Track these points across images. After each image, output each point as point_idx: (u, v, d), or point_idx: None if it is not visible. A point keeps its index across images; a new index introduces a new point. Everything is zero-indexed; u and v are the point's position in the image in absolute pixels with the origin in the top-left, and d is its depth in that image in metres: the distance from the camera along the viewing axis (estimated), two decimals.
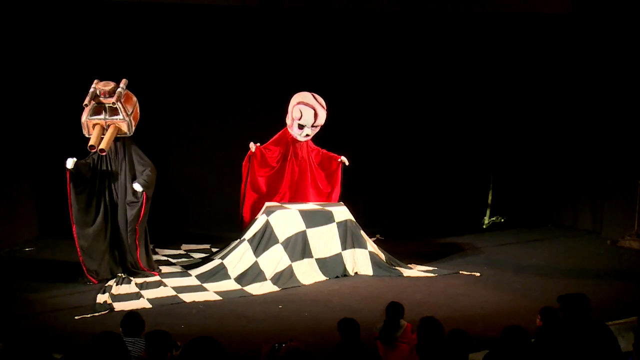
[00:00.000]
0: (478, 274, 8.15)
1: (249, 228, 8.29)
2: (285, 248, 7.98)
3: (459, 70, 11.19)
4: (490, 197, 10.93)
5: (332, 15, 10.45)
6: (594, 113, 10.42)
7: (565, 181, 11.10)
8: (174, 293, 7.33)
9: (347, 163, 9.06)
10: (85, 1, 9.60)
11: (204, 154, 10.71)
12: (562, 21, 10.67)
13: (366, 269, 8.23)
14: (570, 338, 4.48)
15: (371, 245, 8.44)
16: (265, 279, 7.78)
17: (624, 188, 9.83)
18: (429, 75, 11.12)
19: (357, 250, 8.28)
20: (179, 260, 8.73)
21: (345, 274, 8.18)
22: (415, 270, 8.32)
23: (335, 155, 9.12)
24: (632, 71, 9.75)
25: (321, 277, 8.05)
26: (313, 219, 8.19)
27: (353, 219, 8.41)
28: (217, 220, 10.43)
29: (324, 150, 9.14)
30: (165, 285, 7.55)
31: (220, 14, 10.14)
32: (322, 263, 8.13)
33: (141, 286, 7.47)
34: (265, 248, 7.97)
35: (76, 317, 6.45)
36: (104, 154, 7.60)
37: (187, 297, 7.20)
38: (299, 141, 8.90)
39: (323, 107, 8.77)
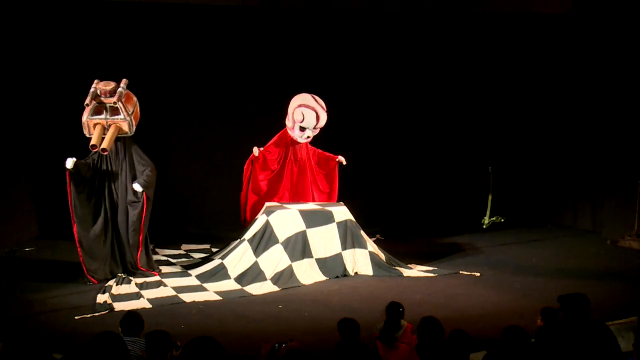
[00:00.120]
0: (478, 274, 8.15)
1: (249, 228, 8.29)
2: (285, 248, 7.98)
3: (459, 70, 11.20)
4: (490, 197, 10.92)
5: (332, 15, 10.46)
6: (593, 113, 10.42)
7: (565, 181, 11.10)
8: (174, 293, 7.33)
9: (344, 162, 9.06)
10: (85, 1, 9.60)
11: (204, 154, 10.72)
12: (562, 21, 10.68)
13: (366, 269, 8.23)
14: (570, 338, 4.48)
15: (371, 245, 8.44)
16: (265, 279, 7.78)
17: (624, 188, 9.83)
18: (429, 75, 11.13)
19: (357, 250, 8.28)
20: (179, 260, 8.73)
21: (345, 274, 8.17)
22: (415, 270, 8.32)
23: (332, 155, 9.13)
24: (632, 71, 9.75)
25: (321, 277, 8.05)
26: (313, 219, 8.19)
27: (353, 219, 8.41)
28: (217, 220, 10.44)
29: (320, 151, 9.15)
30: (165, 285, 7.55)
31: (220, 14, 10.15)
32: (322, 263, 8.13)
33: (141, 286, 7.47)
34: (265, 248, 7.97)
35: (76, 317, 6.45)
36: (105, 153, 7.60)
37: (187, 297, 7.20)
38: (298, 142, 8.90)
39: (324, 108, 8.77)
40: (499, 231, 10.64)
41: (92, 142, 7.45)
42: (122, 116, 7.58)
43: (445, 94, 11.27)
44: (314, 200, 8.91)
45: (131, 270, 7.81)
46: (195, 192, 10.76)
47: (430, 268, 8.43)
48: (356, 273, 8.23)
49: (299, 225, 8.10)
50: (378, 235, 10.00)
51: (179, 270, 8.18)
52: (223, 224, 10.10)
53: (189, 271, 8.07)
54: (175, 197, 10.47)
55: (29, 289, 7.33)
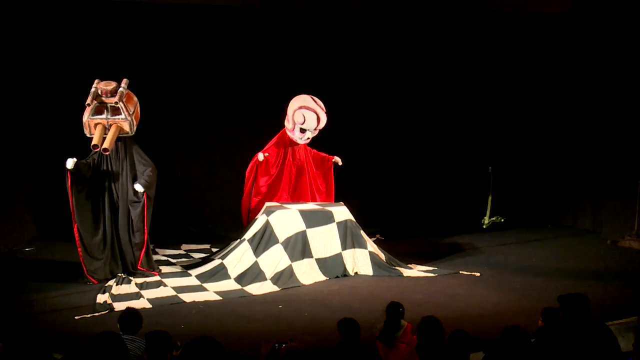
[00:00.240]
0: (478, 274, 8.15)
1: (249, 228, 8.29)
2: (285, 248, 7.98)
3: (458, 70, 11.20)
4: (490, 197, 10.92)
5: (332, 15, 10.46)
6: (593, 113, 10.42)
7: (565, 181, 11.10)
8: (174, 293, 7.33)
9: (340, 163, 9.06)
10: (85, 1, 9.60)
11: (204, 154, 10.72)
12: (562, 21, 10.67)
13: (366, 269, 8.23)
14: (570, 338, 4.48)
15: (371, 245, 8.44)
16: (265, 279, 7.78)
17: (624, 188, 9.83)
18: (429, 75, 11.14)
19: (357, 250, 8.28)
20: (179, 260, 8.73)
21: (345, 274, 8.17)
22: (415, 270, 8.32)
23: (328, 155, 9.12)
24: (632, 71, 9.74)
25: (321, 277, 8.05)
26: (313, 219, 8.19)
27: (353, 219, 8.41)
28: (217, 220, 10.44)
29: (315, 151, 9.15)
30: (165, 285, 7.55)
31: (220, 14, 10.14)
32: (322, 263, 8.13)
33: (141, 286, 7.46)
34: (265, 248, 7.97)
35: (76, 317, 6.46)
36: (107, 153, 7.60)
37: (187, 297, 7.20)
38: (296, 144, 8.89)
39: (323, 110, 8.78)
40: (499, 231, 10.64)
41: (94, 142, 7.45)
42: (123, 116, 7.57)
43: (445, 94, 11.27)
44: (312, 201, 8.91)
45: (131, 270, 7.81)
46: (195, 192, 10.76)
47: (430, 268, 8.43)
48: (356, 273, 8.23)
49: (299, 225, 8.10)
50: (378, 235, 10.00)
51: (179, 270, 8.18)
52: (223, 224, 10.10)
53: (189, 271, 8.07)
54: (176, 197, 10.47)
55: (29, 289, 7.33)
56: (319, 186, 9.10)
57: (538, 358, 4.35)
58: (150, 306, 6.89)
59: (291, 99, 8.85)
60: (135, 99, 7.82)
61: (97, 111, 7.55)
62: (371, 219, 10.15)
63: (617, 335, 4.75)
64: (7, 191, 9.22)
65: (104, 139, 7.50)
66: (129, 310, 5.01)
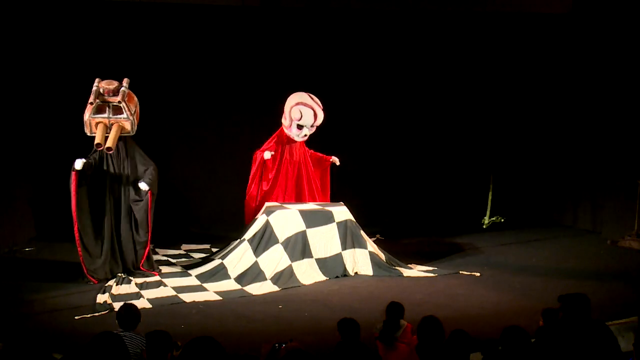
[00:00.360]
0: (478, 274, 8.15)
1: (249, 228, 8.29)
2: (285, 248, 7.98)
3: (458, 70, 11.20)
4: (490, 197, 10.92)
5: (332, 15, 10.46)
6: (593, 113, 10.42)
7: (565, 181, 11.10)
8: (174, 293, 7.32)
9: (337, 163, 9.06)
10: (85, 1, 9.60)
11: (204, 154, 10.72)
12: (562, 21, 10.67)
13: (366, 269, 8.23)
14: (570, 338, 4.48)
15: (371, 245, 8.44)
16: (265, 279, 7.78)
17: (624, 188, 9.83)
18: (429, 75, 11.14)
19: (357, 250, 8.28)
20: (179, 260, 8.73)
21: (345, 274, 8.17)
22: (415, 270, 8.32)
23: (325, 156, 9.12)
24: (632, 71, 9.75)
25: (321, 277, 8.05)
26: (313, 219, 8.19)
27: (353, 219, 8.41)
28: (217, 220, 10.44)
29: (312, 151, 9.14)
30: (165, 285, 7.55)
31: (220, 14, 10.14)
32: (322, 263, 8.13)
33: (141, 286, 7.46)
34: (265, 248, 7.97)
35: (76, 317, 6.45)
36: (110, 152, 7.59)
37: (187, 297, 7.20)
38: (294, 141, 8.89)
39: (320, 106, 8.79)
40: (499, 231, 10.63)
41: (97, 140, 7.44)
42: (125, 115, 7.59)
43: (445, 94, 11.27)
44: (308, 200, 8.90)
45: (131, 270, 7.81)
46: (195, 192, 10.76)
47: (430, 268, 8.43)
48: (356, 273, 8.23)
49: (299, 225, 8.10)
50: (378, 235, 10.00)
51: (179, 270, 8.18)
52: (223, 224, 10.10)
53: (189, 271, 8.07)
54: (176, 197, 10.46)
55: (29, 289, 7.32)
56: (315, 186, 9.09)
57: (538, 358, 4.35)
58: (150, 306, 6.89)
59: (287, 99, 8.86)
60: (136, 98, 7.82)
61: (99, 110, 7.54)
62: (371, 219, 10.15)
63: (617, 335, 4.76)
64: (7, 191, 9.22)
65: (106, 138, 7.49)
66: (127, 305, 5.02)
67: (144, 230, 7.78)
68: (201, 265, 8.21)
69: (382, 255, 8.40)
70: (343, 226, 8.28)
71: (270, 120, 9.48)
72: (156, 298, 7.14)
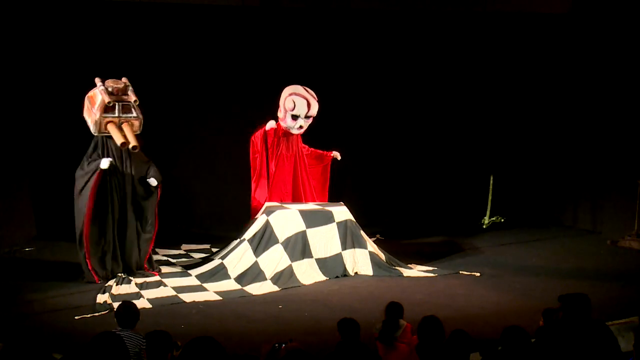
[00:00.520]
0: (478, 274, 8.15)
1: (248, 228, 8.29)
2: (285, 248, 7.98)
3: (458, 70, 11.19)
4: (490, 197, 10.92)
5: (332, 15, 10.46)
6: (593, 113, 10.42)
7: (565, 181, 11.10)
8: (174, 293, 7.32)
9: (339, 157, 9.05)
10: (85, 1, 9.59)
11: (204, 153, 10.70)
12: (561, 21, 10.68)
13: (366, 269, 8.22)
14: (571, 338, 4.48)
15: (371, 245, 8.44)
16: (265, 279, 7.78)
17: (624, 188, 9.83)
18: (429, 75, 11.13)
19: (357, 250, 8.28)
20: (179, 260, 8.72)
21: (345, 274, 8.17)
22: (415, 270, 8.32)
23: (326, 152, 9.11)
24: (632, 71, 9.75)
25: (321, 277, 8.04)
26: (313, 219, 8.19)
27: (353, 219, 8.41)
28: (217, 220, 10.43)
29: (312, 149, 9.14)
30: (165, 285, 7.55)
31: (220, 14, 10.14)
32: (322, 263, 8.13)
33: (141, 286, 7.46)
34: (265, 248, 7.97)
35: (76, 317, 6.45)
36: (137, 150, 7.60)
37: (187, 297, 7.20)
38: (290, 135, 8.87)
39: (314, 97, 8.79)
40: (499, 231, 10.63)
41: (121, 140, 7.44)
42: (135, 114, 7.64)
43: (445, 94, 11.26)
44: (306, 195, 8.89)
45: (132, 270, 7.80)
46: (195, 192, 10.75)
47: (430, 268, 8.43)
48: (356, 273, 8.23)
49: (299, 225, 8.10)
50: (378, 235, 9.99)
51: (179, 270, 8.18)
52: (223, 224, 10.09)
53: (189, 271, 8.07)
54: (175, 197, 10.45)
55: (29, 289, 7.32)
56: (312, 183, 9.08)
57: (538, 358, 4.35)
58: (150, 306, 6.89)
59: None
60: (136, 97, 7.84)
61: (108, 109, 7.55)
62: (371, 219, 10.15)
63: (617, 335, 4.76)
64: (7, 191, 9.21)
65: (125, 136, 7.52)
66: (126, 303, 5.01)
67: (152, 225, 7.83)
68: (201, 265, 8.21)
69: (382, 255, 8.40)
70: (343, 226, 8.28)
71: (270, 120, 9.47)
72: (156, 298, 7.14)
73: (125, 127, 7.58)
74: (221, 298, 7.28)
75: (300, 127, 8.82)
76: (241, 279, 7.77)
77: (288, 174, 8.92)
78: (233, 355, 4.04)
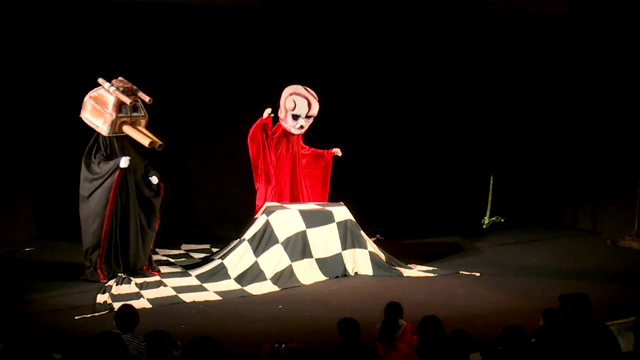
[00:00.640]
0: (478, 274, 8.15)
1: (248, 228, 8.29)
2: (285, 248, 7.97)
3: (458, 70, 11.20)
4: (490, 197, 10.92)
5: (332, 15, 10.46)
6: (593, 113, 10.43)
7: (565, 181, 11.10)
8: (174, 293, 7.32)
9: (340, 154, 9.04)
10: (85, 1, 9.60)
11: (204, 153, 10.71)
12: (561, 21, 10.68)
13: (366, 269, 8.22)
14: (571, 338, 4.48)
15: (371, 245, 8.44)
16: (265, 279, 7.78)
17: (624, 188, 9.84)
18: (429, 75, 11.13)
19: (357, 250, 8.28)
20: (179, 260, 8.72)
21: (345, 274, 8.17)
22: (415, 270, 8.32)
23: (326, 151, 9.10)
24: (632, 71, 9.75)
25: (321, 277, 8.04)
26: (313, 219, 8.19)
27: (353, 219, 8.41)
28: (217, 220, 10.43)
29: (313, 149, 9.13)
30: (165, 285, 7.55)
31: (220, 14, 10.14)
32: (322, 263, 8.13)
33: (141, 286, 7.46)
34: (265, 248, 7.96)
35: (76, 317, 6.45)
36: (162, 149, 7.63)
37: (187, 297, 7.20)
38: (291, 135, 8.87)
39: (315, 97, 8.79)
40: (499, 231, 10.64)
41: (148, 140, 7.48)
42: (142, 113, 7.68)
43: (446, 94, 11.27)
44: (304, 195, 8.89)
45: (132, 270, 7.79)
46: (195, 192, 10.75)
47: (430, 268, 8.43)
48: (356, 273, 8.23)
49: (299, 225, 8.10)
50: (378, 235, 9.99)
51: (179, 270, 8.18)
52: (223, 224, 10.09)
53: (189, 271, 8.07)
54: (175, 197, 10.45)
55: (29, 289, 7.32)
56: (312, 182, 9.07)
57: (538, 358, 4.35)
58: (150, 306, 6.89)
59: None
60: None
61: (121, 109, 7.55)
62: (371, 219, 10.15)
63: (617, 335, 4.76)
64: (7, 191, 9.22)
65: (145, 135, 7.56)
66: (125, 307, 5.00)
67: (156, 222, 7.85)
68: (201, 265, 8.21)
69: (382, 255, 8.40)
70: (343, 226, 8.28)
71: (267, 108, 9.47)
72: (156, 298, 7.14)
73: (139, 127, 7.61)
74: (221, 298, 7.28)
75: (301, 127, 8.82)
76: (241, 279, 7.77)
77: (286, 175, 8.92)
78: (233, 355, 4.05)
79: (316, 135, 9.06)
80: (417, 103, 11.18)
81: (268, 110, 8.67)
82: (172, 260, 8.70)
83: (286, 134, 8.87)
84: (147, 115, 7.73)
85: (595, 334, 4.51)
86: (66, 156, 9.54)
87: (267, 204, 8.52)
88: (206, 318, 6.62)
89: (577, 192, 10.95)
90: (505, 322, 4.65)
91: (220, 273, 7.87)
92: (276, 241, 7.98)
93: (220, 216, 10.52)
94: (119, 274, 7.70)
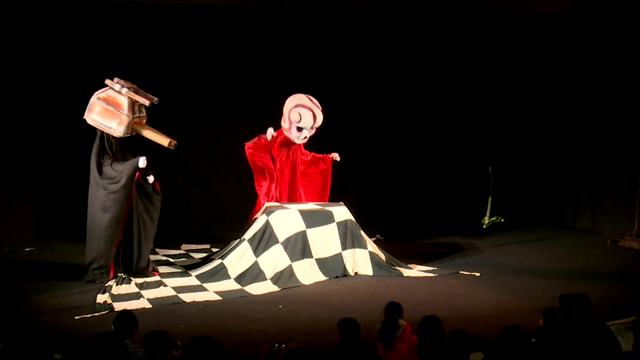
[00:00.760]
0: (478, 274, 8.15)
1: (248, 228, 8.29)
2: (285, 248, 7.98)
3: (458, 70, 11.20)
4: (490, 197, 10.92)
5: (332, 16, 10.46)
6: (593, 113, 10.43)
7: (565, 181, 11.10)
8: (174, 293, 7.32)
9: (338, 159, 9.04)
10: (85, 1, 9.60)
11: (204, 153, 10.71)
12: (561, 21, 10.68)
13: (366, 269, 8.23)
14: (571, 338, 4.48)
15: (371, 245, 8.44)
16: (265, 279, 7.78)
17: (624, 188, 9.84)
18: (429, 75, 11.13)
19: (357, 250, 8.28)
20: (179, 260, 8.72)
21: (345, 274, 8.17)
22: (415, 270, 8.32)
23: (325, 155, 9.09)
24: (632, 71, 9.75)
25: (321, 277, 8.05)
26: (313, 219, 8.19)
27: (353, 219, 8.41)
28: (217, 220, 10.43)
29: (313, 154, 9.13)
30: (165, 285, 7.55)
31: (220, 14, 10.14)
32: (322, 263, 8.13)
33: (141, 286, 7.46)
34: (265, 248, 7.96)
35: (76, 317, 6.45)
36: (176, 147, 7.70)
37: (187, 297, 7.20)
38: (293, 144, 8.88)
39: (319, 108, 8.78)
40: (499, 231, 10.63)
41: (167, 139, 7.56)
42: (144, 113, 7.74)
43: (445, 94, 11.27)
44: (302, 201, 8.89)
45: (132, 270, 7.78)
46: (195, 192, 10.76)
47: (430, 268, 8.43)
48: (356, 273, 8.23)
49: (299, 225, 8.10)
50: (378, 235, 9.99)
51: (179, 270, 8.18)
52: (223, 224, 10.09)
53: (189, 271, 8.07)
54: (175, 197, 10.45)
55: (29, 289, 7.32)
56: (312, 188, 9.06)
57: (538, 358, 4.35)
58: (150, 306, 6.89)
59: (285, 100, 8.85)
60: None
61: (134, 110, 7.56)
62: (371, 219, 10.15)
63: (617, 335, 4.76)
64: (7, 191, 9.21)
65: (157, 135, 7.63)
66: (125, 312, 4.97)
67: (156, 222, 7.85)
68: (201, 265, 8.20)
69: (382, 255, 8.40)
70: (343, 226, 8.28)
71: (270, 119, 9.45)
72: (156, 298, 7.14)
73: (149, 127, 7.62)
74: (221, 298, 7.28)
75: (305, 137, 8.83)
76: (241, 279, 7.77)
77: (286, 182, 8.92)
78: (233, 355, 4.05)
79: (316, 135, 9.05)
80: (417, 103, 11.18)
81: (271, 131, 8.63)
82: (172, 260, 8.70)
83: (288, 142, 8.86)
84: (146, 115, 7.72)
85: (595, 334, 4.51)
86: (66, 156, 9.57)
87: (267, 204, 8.52)
88: (206, 318, 6.63)
89: (577, 192, 10.95)
90: (505, 322, 4.65)
91: (220, 273, 7.88)
92: (276, 241, 7.98)
93: (220, 216, 10.52)
94: (119, 274, 7.70)
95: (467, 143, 11.47)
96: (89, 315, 6.51)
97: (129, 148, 7.83)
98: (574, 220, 10.99)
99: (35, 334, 5.73)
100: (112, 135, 7.57)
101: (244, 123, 10.63)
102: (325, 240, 8.18)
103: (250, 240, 8.05)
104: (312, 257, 8.10)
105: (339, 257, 8.20)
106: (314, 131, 8.85)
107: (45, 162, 9.74)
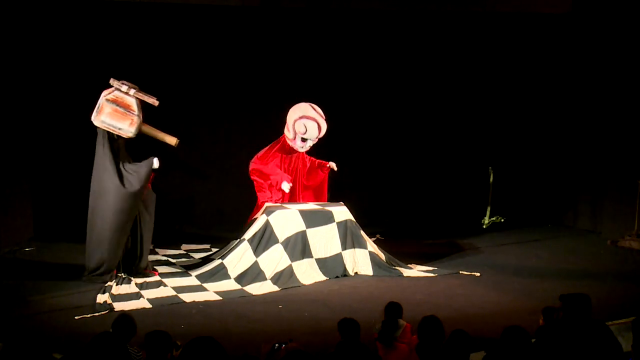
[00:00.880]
0: (478, 274, 8.15)
1: (248, 228, 8.29)
2: (285, 248, 7.98)
3: (458, 70, 11.21)
4: (490, 197, 10.93)
5: (332, 16, 10.46)
6: (594, 113, 10.43)
7: (565, 181, 11.11)
8: (174, 293, 7.32)
9: (335, 168, 9.04)
10: (85, 1, 9.60)
11: (204, 153, 10.71)
12: (562, 21, 10.68)
13: (366, 269, 8.23)
14: (571, 338, 4.48)
15: (371, 245, 8.44)
16: (265, 279, 7.78)
17: (624, 188, 9.84)
18: (429, 75, 11.14)
19: (357, 250, 8.28)
20: (179, 260, 8.72)
21: (345, 274, 8.17)
22: (415, 270, 8.32)
23: (324, 162, 9.09)
24: (632, 71, 9.75)
25: (321, 277, 8.04)
26: (313, 219, 8.19)
27: (353, 219, 8.41)
28: (217, 220, 10.43)
29: (313, 158, 9.12)
30: (165, 285, 7.55)
31: (220, 14, 10.15)
32: (322, 263, 8.13)
33: (141, 286, 7.46)
34: (265, 248, 7.96)
35: (76, 317, 6.45)
36: (177, 145, 7.76)
37: (187, 297, 7.20)
38: (295, 151, 8.87)
39: (323, 117, 8.76)
40: (499, 231, 10.64)
41: (175, 139, 7.61)
42: (142, 113, 7.71)
43: (446, 94, 11.28)
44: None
45: (132, 270, 7.78)
46: (195, 192, 10.76)
47: (430, 268, 8.43)
48: (356, 273, 8.23)
49: (299, 225, 8.10)
50: (378, 235, 10.00)
51: (179, 270, 8.18)
52: (223, 224, 10.09)
53: (189, 271, 8.07)
54: (175, 197, 10.47)
55: (29, 289, 7.32)
56: (310, 194, 9.06)
57: (539, 358, 4.35)
58: (150, 306, 6.89)
59: (291, 100, 8.83)
60: None
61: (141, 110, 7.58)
62: (371, 219, 10.15)
63: (617, 335, 4.75)
64: (7, 191, 9.21)
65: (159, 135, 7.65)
66: (124, 316, 4.95)
67: (152, 222, 7.84)
68: (201, 265, 8.20)
69: (382, 255, 8.40)
70: (343, 226, 8.28)
71: (269, 120, 9.49)
72: (156, 298, 7.14)
73: (152, 127, 7.67)
74: (221, 298, 7.28)
75: (309, 146, 8.83)
76: (241, 279, 7.77)
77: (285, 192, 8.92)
78: (233, 355, 4.04)
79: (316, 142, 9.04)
80: (417, 103, 11.19)
81: (288, 186, 8.63)
82: (172, 260, 8.70)
83: (291, 150, 8.85)
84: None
85: (595, 334, 4.51)
86: (66, 157, 9.57)
87: (267, 204, 8.52)
88: (206, 318, 6.62)
89: (577, 192, 10.96)
90: (505, 322, 4.65)
91: (220, 273, 7.87)
92: (276, 241, 7.98)
93: (220, 216, 10.52)
94: (119, 274, 7.70)
95: (467, 143, 11.48)
96: (89, 315, 6.51)
97: (127, 149, 7.82)
98: (574, 220, 11.00)
99: (35, 334, 5.73)
100: (119, 137, 7.55)
101: (243, 122, 10.65)
102: (325, 240, 8.18)
103: (250, 240, 8.05)
104: (312, 257, 8.10)
105: (339, 257, 8.20)
106: (316, 140, 8.84)
107: (45, 163, 9.74)
